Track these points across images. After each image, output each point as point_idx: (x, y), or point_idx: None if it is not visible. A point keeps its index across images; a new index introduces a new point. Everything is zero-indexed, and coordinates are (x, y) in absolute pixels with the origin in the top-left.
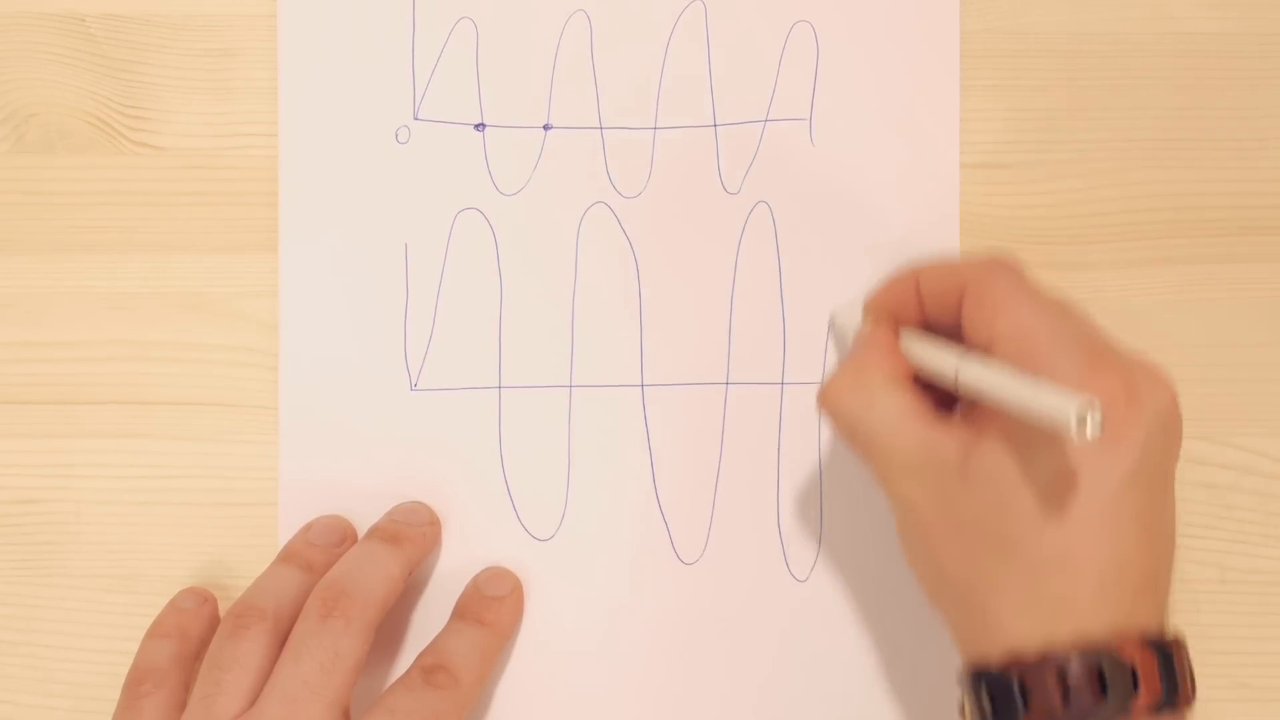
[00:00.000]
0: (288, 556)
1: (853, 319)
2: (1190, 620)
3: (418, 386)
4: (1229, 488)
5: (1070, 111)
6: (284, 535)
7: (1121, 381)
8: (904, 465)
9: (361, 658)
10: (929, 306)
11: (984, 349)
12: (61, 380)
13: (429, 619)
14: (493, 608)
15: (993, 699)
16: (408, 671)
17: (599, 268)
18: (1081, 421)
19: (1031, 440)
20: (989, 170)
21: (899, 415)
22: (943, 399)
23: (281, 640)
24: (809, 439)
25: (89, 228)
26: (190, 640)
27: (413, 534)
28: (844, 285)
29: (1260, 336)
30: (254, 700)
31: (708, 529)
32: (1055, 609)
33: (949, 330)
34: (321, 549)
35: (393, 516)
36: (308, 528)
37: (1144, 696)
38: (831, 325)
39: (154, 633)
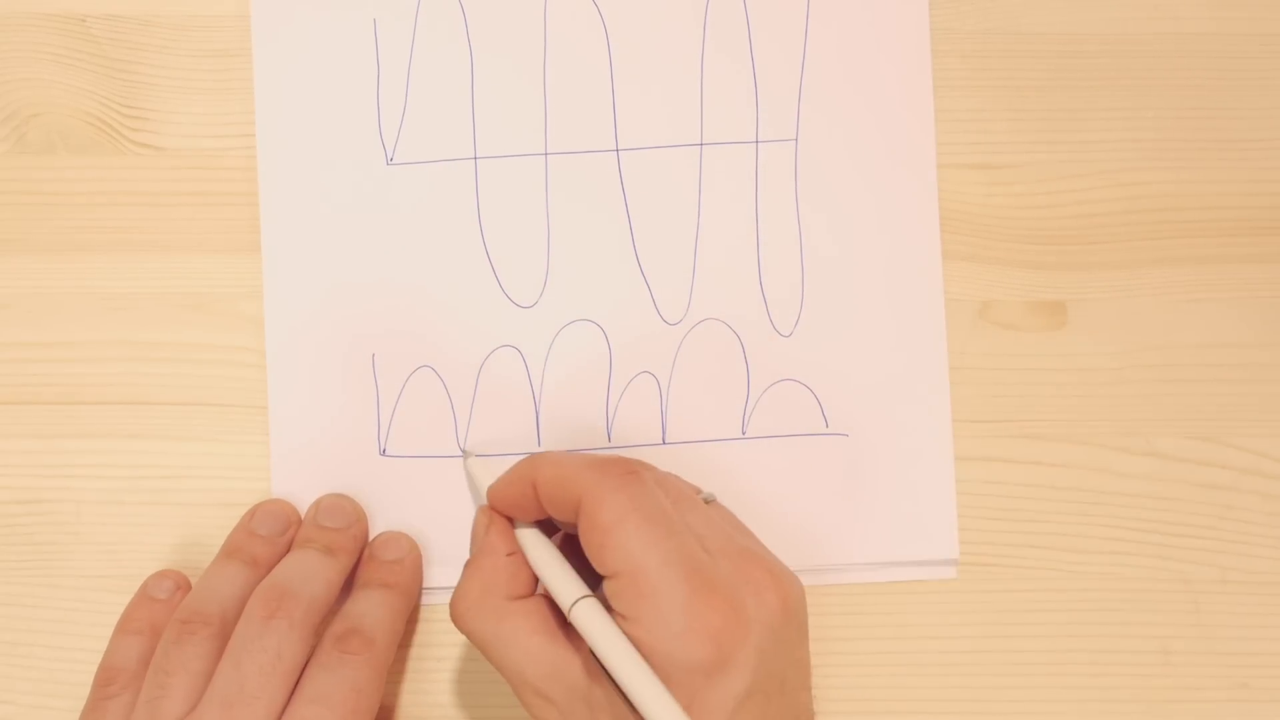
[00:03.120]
0: (232, 551)
1: (480, 483)
2: (1190, 620)
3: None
4: (1229, 488)
5: (1070, 111)
6: None
7: (726, 606)
8: (534, 687)
9: (302, 657)
10: (549, 511)
11: (597, 569)
12: (61, 380)
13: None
14: (393, 570)
15: None
16: (319, 647)
17: (567, 33)
18: None
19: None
20: (989, 170)
21: (526, 635)
22: None
23: (225, 642)
24: (786, 195)
25: (89, 228)
26: (159, 635)
27: (345, 542)
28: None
29: (1260, 336)
30: (197, 703)
31: (689, 290)
32: None
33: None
34: (265, 541)
35: (320, 522)
36: (251, 515)
37: None
38: (465, 470)
39: (124, 628)
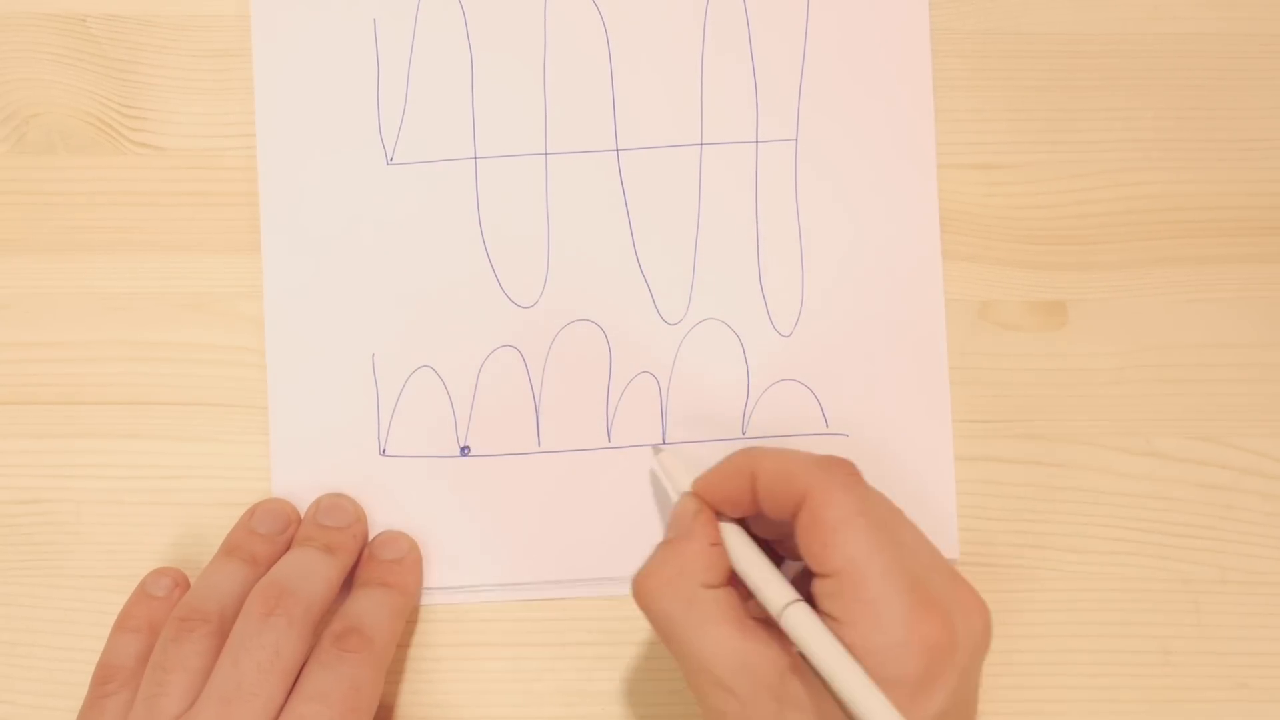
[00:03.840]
0: (231, 549)
1: (677, 474)
2: (1190, 620)
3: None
4: (1229, 488)
5: (1070, 111)
6: None
7: (942, 625)
8: (717, 679)
9: (301, 655)
10: (763, 506)
11: (811, 568)
12: (61, 380)
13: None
14: (393, 570)
15: None
16: (318, 645)
17: (567, 33)
18: None
19: None
20: (989, 170)
21: (716, 624)
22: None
23: (224, 639)
24: (786, 195)
25: (89, 228)
26: (158, 634)
27: (345, 541)
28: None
29: (1260, 336)
30: (195, 700)
31: (689, 290)
32: None
33: (775, 523)
34: (264, 539)
35: (319, 520)
36: (251, 514)
37: None
38: (654, 463)
39: (122, 625)
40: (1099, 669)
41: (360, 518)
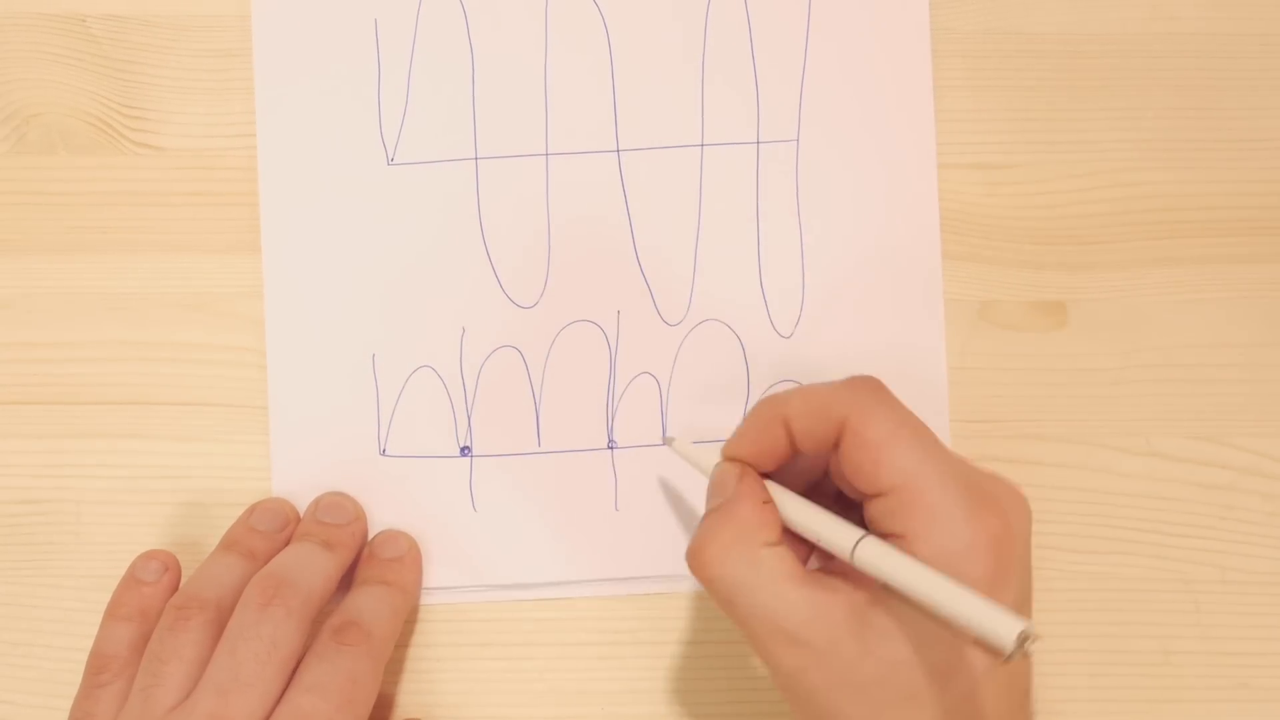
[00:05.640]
0: (229, 544)
1: (699, 453)
2: (1190, 620)
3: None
4: (1229, 488)
5: (1070, 111)
6: None
7: (1000, 519)
8: (791, 634)
9: (298, 647)
10: (802, 446)
11: (862, 491)
12: (61, 380)
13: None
14: (393, 568)
15: None
16: (316, 638)
17: (567, 33)
18: (1021, 644)
19: None
20: (989, 170)
21: (784, 580)
22: (803, 545)
23: (221, 629)
24: (786, 195)
25: (89, 228)
26: (150, 620)
27: (344, 538)
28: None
29: (1260, 336)
30: (192, 690)
31: (689, 290)
32: None
33: (811, 461)
34: (263, 536)
35: (319, 518)
36: (250, 511)
37: None
38: (674, 452)
39: (114, 614)
40: (1099, 669)
41: (360, 516)
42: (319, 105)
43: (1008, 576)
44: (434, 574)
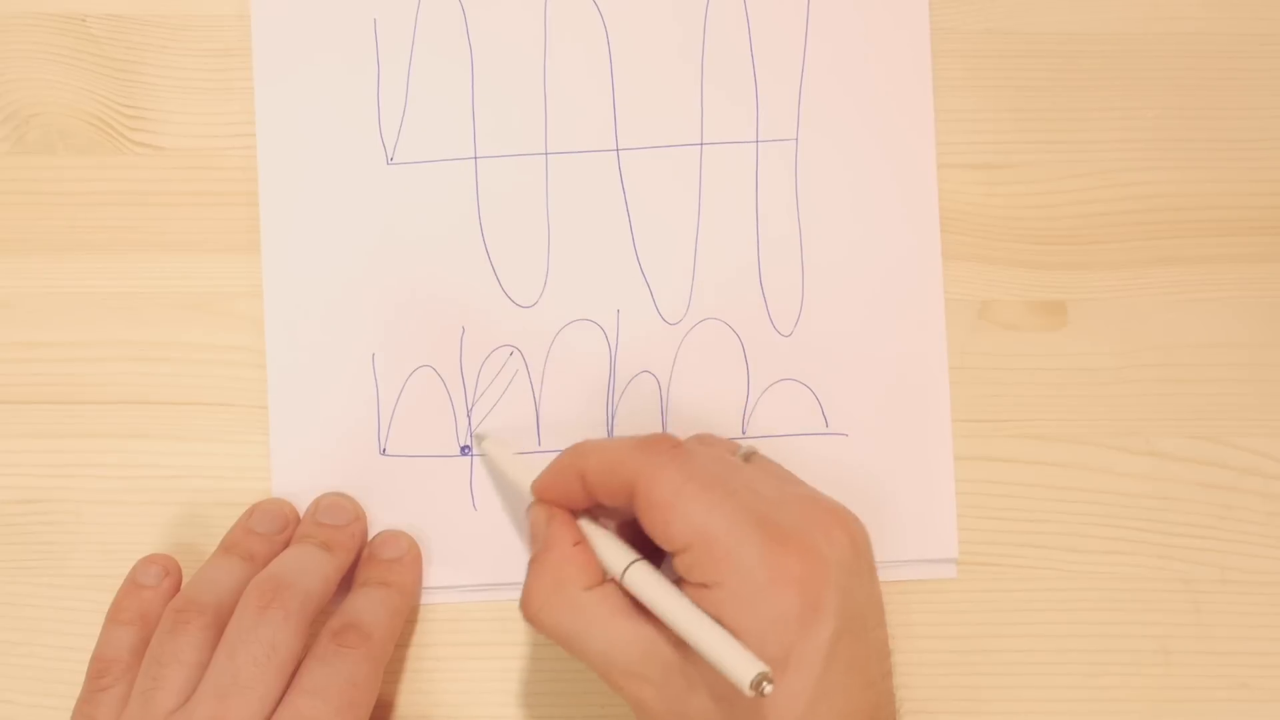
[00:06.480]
0: (229, 547)
1: (510, 470)
2: (1190, 620)
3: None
4: (1229, 488)
5: (1070, 111)
6: None
7: (802, 552)
8: (626, 670)
9: (298, 650)
10: (601, 498)
11: (663, 547)
12: (61, 380)
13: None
14: (393, 569)
15: None
16: (316, 641)
17: (567, 33)
18: (756, 686)
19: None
20: (989, 170)
21: (608, 621)
22: None
23: (221, 633)
24: (786, 195)
25: (89, 228)
26: (151, 624)
27: (344, 539)
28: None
29: (1261, 336)
30: (191, 694)
31: (689, 290)
32: None
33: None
34: (262, 538)
35: (319, 519)
36: (249, 513)
37: None
38: (483, 453)
39: (114, 618)
40: (1098, 669)
41: (359, 517)
42: (318, 105)
43: (819, 609)
44: (434, 574)
